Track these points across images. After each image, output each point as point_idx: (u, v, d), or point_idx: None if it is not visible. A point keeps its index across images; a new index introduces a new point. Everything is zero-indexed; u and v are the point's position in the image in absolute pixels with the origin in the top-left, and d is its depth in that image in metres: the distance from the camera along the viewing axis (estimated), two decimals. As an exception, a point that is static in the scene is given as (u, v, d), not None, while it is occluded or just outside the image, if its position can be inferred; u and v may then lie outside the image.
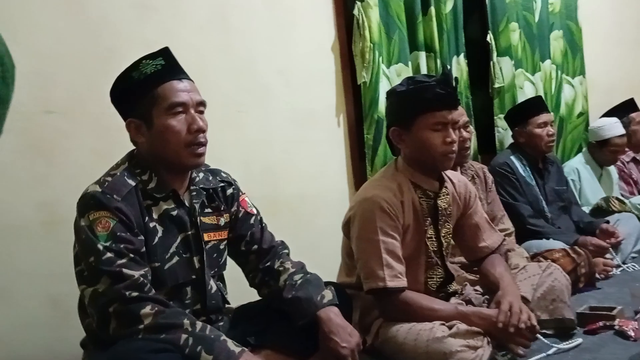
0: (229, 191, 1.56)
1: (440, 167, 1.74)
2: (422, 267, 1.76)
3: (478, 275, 1.92)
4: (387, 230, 1.64)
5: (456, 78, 1.72)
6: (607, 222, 2.88)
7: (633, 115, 3.51)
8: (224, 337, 1.27)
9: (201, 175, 1.51)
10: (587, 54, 3.77)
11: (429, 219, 1.75)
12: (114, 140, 1.85)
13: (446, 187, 1.80)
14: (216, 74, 2.19)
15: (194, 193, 1.46)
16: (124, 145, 1.47)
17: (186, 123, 1.36)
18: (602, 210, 3.10)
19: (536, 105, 2.95)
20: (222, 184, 1.54)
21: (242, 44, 2.33)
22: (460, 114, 2.29)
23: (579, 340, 1.61)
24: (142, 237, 1.32)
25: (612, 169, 3.44)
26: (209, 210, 1.49)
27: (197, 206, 1.44)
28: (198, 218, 1.44)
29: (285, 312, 1.48)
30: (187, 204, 1.43)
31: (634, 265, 2.70)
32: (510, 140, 3.13)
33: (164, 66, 1.37)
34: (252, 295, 1.62)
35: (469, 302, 1.80)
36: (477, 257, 1.86)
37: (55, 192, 1.78)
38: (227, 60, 2.26)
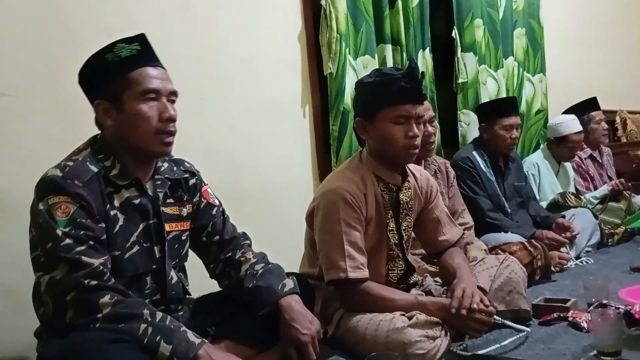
0: (192, 181, 1.54)
1: (402, 161, 1.75)
2: (384, 259, 1.78)
3: (438, 267, 1.94)
4: (349, 222, 1.64)
5: (422, 72, 1.73)
6: (563, 216, 2.96)
7: (593, 113, 3.61)
8: (184, 327, 1.26)
9: (165, 165, 1.48)
10: (548, 52, 3.86)
11: (390, 211, 1.76)
12: (70, 124, 1.80)
13: (408, 181, 1.81)
14: (179, 60, 2.14)
15: (159, 182, 1.43)
16: (80, 130, 1.43)
17: (158, 110, 1.34)
18: (558, 205, 3.19)
19: (508, 106, 2.98)
20: (185, 175, 1.52)
21: (206, 31, 2.29)
22: (426, 109, 2.30)
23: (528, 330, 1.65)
24: (102, 225, 1.29)
25: (569, 165, 3.54)
26: (171, 200, 1.47)
27: (160, 195, 1.42)
28: (161, 208, 1.41)
29: (246, 303, 1.47)
30: (150, 192, 1.41)
31: (588, 259, 2.80)
32: (473, 136, 3.18)
33: (139, 51, 1.35)
34: (213, 287, 1.60)
35: (428, 292, 1.83)
36: (437, 250, 1.89)
37: (7, 178, 1.72)
38: (190, 47, 2.22)
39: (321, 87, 2.70)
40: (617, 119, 4.57)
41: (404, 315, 1.53)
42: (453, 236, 1.90)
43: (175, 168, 1.51)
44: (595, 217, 3.13)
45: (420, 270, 2.00)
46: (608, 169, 3.78)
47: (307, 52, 2.66)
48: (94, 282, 1.20)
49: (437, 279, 1.95)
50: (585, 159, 3.65)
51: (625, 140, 4.49)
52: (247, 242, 1.61)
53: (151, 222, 1.40)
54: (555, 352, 1.50)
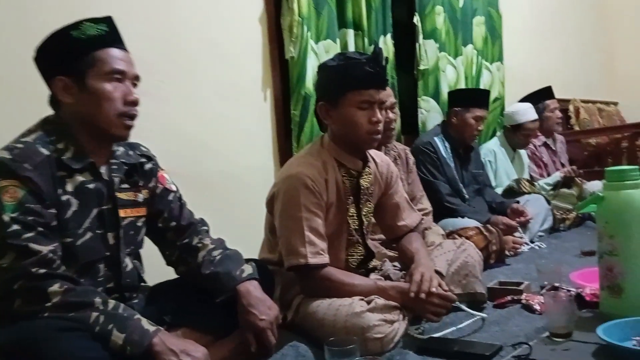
0: (148, 166, 1.49)
1: (365, 147, 1.75)
2: (343, 244, 1.78)
3: (397, 252, 1.96)
4: (310, 207, 1.63)
5: (386, 58, 1.72)
6: (518, 202, 3.05)
7: (548, 102, 3.71)
8: (138, 315, 1.22)
9: (121, 148, 1.43)
10: (506, 41, 3.93)
11: (351, 197, 1.76)
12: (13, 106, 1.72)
13: (369, 167, 1.81)
14: (136, 40, 2.03)
15: (114, 167, 1.38)
16: (24, 110, 1.36)
17: (122, 92, 1.31)
18: (513, 191, 3.27)
19: (482, 98, 3.07)
20: (141, 159, 1.48)
21: (165, 12, 2.22)
22: (388, 95, 2.31)
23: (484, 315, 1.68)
24: (53, 210, 1.23)
25: (524, 152, 3.63)
26: (126, 185, 1.42)
27: (116, 180, 1.37)
28: (116, 193, 1.37)
29: (203, 290, 1.45)
30: (105, 177, 1.35)
31: (541, 244, 2.89)
32: (433, 123, 3.22)
33: (107, 32, 1.32)
34: (170, 274, 1.57)
35: (387, 277, 1.85)
36: (396, 235, 1.91)
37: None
38: (148, 27, 2.14)
39: (282, 71, 2.67)
40: (571, 107, 4.72)
41: (362, 299, 1.54)
42: (412, 221, 1.92)
43: (131, 152, 1.46)
44: (548, 202, 3.23)
45: (379, 255, 2.02)
46: (561, 156, 3.90)
47: (269, 35, 2.62)
48: (42, 270, 1.16)
49: (396, 263, 1.98)
50: (539, 146, 3.75)
51: (577, 129, 4.65)
52: (205, 228, 1.58)
53: (105, 207, 1.35)
54: (509, 333, 1.54)
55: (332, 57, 1.74)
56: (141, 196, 1.45)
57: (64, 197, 1.27)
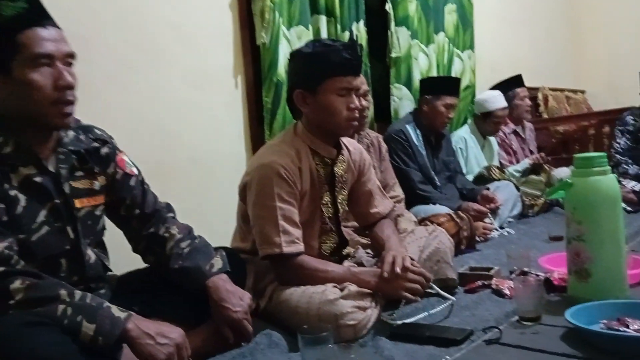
0: (104, 150, 1.40)
1: (342, 133, 1.74)
2: (317, 232, 1.77)
3: (369, 239, 1.97)
4: (284, 196, 1.62)
5: (361, 45, 1.71)
6: (488, 189, 3.09)
7: (518, 90, 3.76)
8: (107, 303, 1.18)
9: (71, 134, 1.34)
10: (477, 29, 3.95)
11: (325, 185, 1.76)
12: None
13: (343, 154, 1.81)
14: (101, 25, 2.01)
15: (62, 157, 1.29)
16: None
17: (52, 78, 1.20)
18: (483, 178, 3.32)
19: (453, 86, 3.09)
20: (95, 144, 1.38)
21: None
22: (362, 82, 2.31)
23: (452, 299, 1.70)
24: (2, 205, 1.17)
25: (493, 140, 3.68)
26: (80, 173, 1.34)
27: (64, 172, 1.29)
28: (66, 184, 1.29)
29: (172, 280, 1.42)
30: (52, 169, 1.27)
31: (510, 230, 2.94)
32: (405, 110, 3.23)
33: (26, 10, 1.18)
34: (137, 262, 1.53)
35: (360, 264, 1.85)
36: (369, 222, 1.91)
37: None
38: (113, 11, 2.08)
39: (254, 57, 2.63)
40: (540, 95, 4.80)
41: (335, 287, 1.54)
42: (384, 208, 1.92)
43: (83, 137, 1.36)
44: (517, 189, 3.29)
45: (353, 243, 2.02)
46: (530, 143, 3.96)
47: (240, 21, 2.57)
48: (1, 269, 1.11)
49: (369, 250, 1.98)
50: (508, 133, 3.80)
51: (546, 116, 4.73)
52: (171, 214, 1.53)
53: (57, 201, 1.27)
54: (480, 318, 1.56)
55: (306, 44, 1.71)
56: (98, 184, 1.38)
57: (12, 192, 1.20)
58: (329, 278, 1.59)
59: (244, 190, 1.72)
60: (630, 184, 3.25)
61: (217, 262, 1.45)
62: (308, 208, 1.73)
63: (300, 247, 1.62)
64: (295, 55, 1.74)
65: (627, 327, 1.29)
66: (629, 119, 3.42)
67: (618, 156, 3.39)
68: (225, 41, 2.53)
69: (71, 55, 1.25)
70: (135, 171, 1.48)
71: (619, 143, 3.43)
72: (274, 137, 2.14)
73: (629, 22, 5.32)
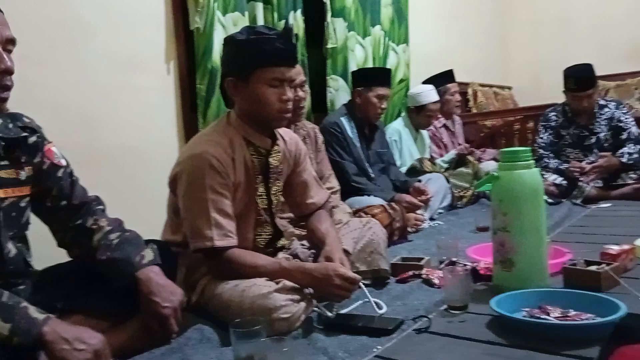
0: (32, 139, 1.34)
1: (274, 125, 1.71)
2: (251, 224, 1.75)
3: (305, 231, 1.97)
4: (216, 188, 1.58)
5: (296, 35, 1.68)
6: (420, 181, 3.17)
7: (449, 85, 3.87)
8: (25, 303, 1.12)
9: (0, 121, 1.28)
10: (412, 23, 4.02)
11: (260, 176, 1.73)
12: None
13: (278, 145, 1.78)
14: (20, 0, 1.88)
15: None
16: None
17: None
18: (416, 170, 3.40)
19: (384, 77, 3.12)
20: (23, 133, 1.32)
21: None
22: (298, 73, 2.28)
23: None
24: None
25: (425, 133, 3.78)
26: (5, 162, 1.27)
27: None
28: None
29: (98, 273, 1.36)
30: None
31: (440, 221, 3.03)
32: (342, 102, 3.24)
33: None
34: (62, 256, 1.46)
35: (295, 256, 1.85)
36: (305, 213, 1.90)
37: None
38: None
39: (187, 42, 2.55)
40: (470, 91, 4.97)
41: (269, 280, 1.52)
42: (320, 199, 1.92)
43: (11, 125, 1.31)
44: (448, 181, 3.39)
45: (288, 234, 2.01)
46: (459, 136, 4.10)
47: (172, 4, 2.48)
48: None
49: (304, 242, 1.98)
50: (439, 127, 3.92)
51: (475, 111, 4.91)
52: (101, 207, 1.48)
53: None
54: (411, 307, 1.60)
55: (240, 31, 1.67)
56: (24, 174, 1.31)
57: None
58: (261, 273, 1.56)
59: (174, 182, 1.66)
60: (552, 177, 3.43)
61: (148, 254, 1.40)
62: (242, 200, 1.69)
63: (233, 240, 1.59)
64: (228, 42, 1.69)
65: (548, 314, 1.36)
66: (552, 115, 3.59)
67: (541, 150, 3.56)
68: (156, 24, 2.44)
69: (11, 41, 1.19)
70: (64, 162, 1.42)
71: (542, 138, 3.60)
72: (207, 126, 2.09)
73: (554, 22, 5.59)
